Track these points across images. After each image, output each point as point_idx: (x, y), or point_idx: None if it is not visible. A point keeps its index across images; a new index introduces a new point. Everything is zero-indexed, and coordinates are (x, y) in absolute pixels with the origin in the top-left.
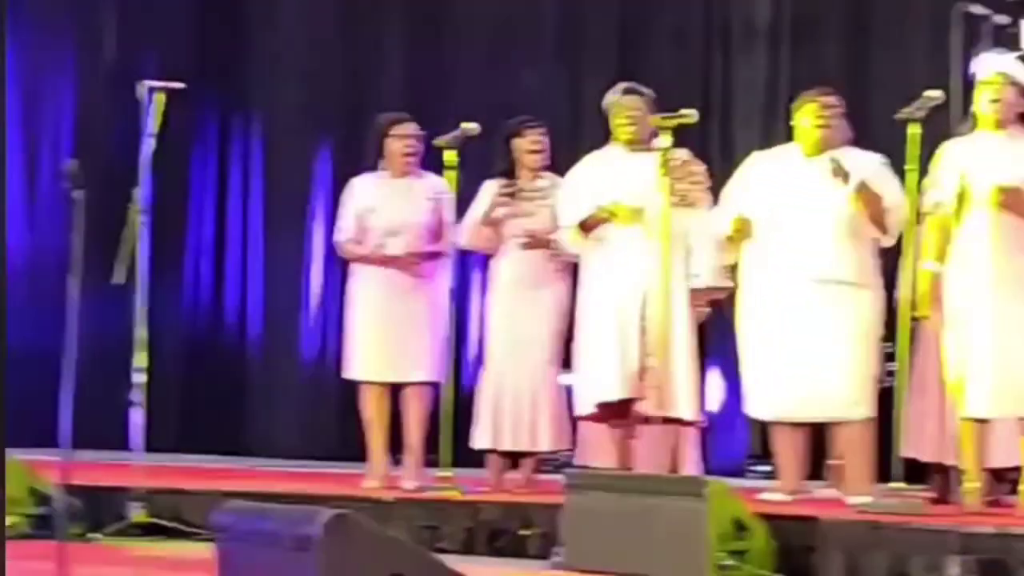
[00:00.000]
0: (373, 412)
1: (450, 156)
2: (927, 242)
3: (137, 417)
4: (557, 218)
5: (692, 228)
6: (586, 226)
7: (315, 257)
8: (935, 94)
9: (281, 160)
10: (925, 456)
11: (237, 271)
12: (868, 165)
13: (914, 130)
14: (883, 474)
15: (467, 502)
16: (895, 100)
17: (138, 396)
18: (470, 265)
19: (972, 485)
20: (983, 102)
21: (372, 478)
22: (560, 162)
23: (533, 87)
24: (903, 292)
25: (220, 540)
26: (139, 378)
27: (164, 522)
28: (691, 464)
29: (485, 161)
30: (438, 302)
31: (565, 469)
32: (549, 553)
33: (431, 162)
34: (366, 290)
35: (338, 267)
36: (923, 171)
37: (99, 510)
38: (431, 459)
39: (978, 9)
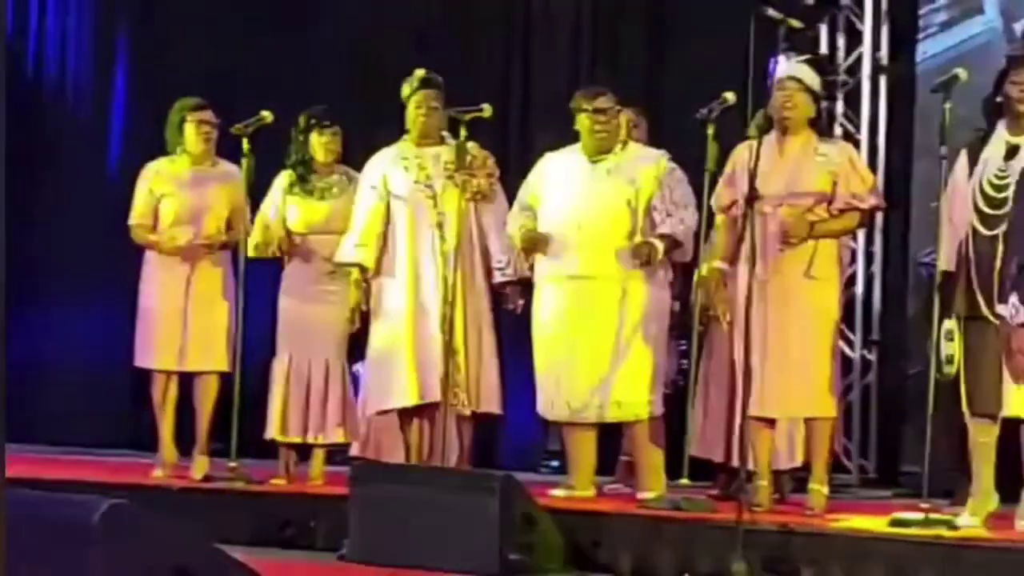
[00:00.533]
0: (161, 401)
1: (244, 143)
2: (718, 241)
3: None
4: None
5: (489, 221)
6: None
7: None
8: (729, 96)
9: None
10: (713, 455)
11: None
12: (653, 168)
13: (710, 130)
14: (673, 471)
15: (256, 492)
16: (693, 100)
17: None
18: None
19: (761, 484)
20: (776, 105)
21: (161, 467)
22: (356, 156)
23: (333, 80)
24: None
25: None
26: None
27: None
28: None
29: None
30: (228, 291)
31: (353, 462)
32: (338, 545)
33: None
34: (157, 277)
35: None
36: (719, 171)
37: None
38: (221, 449)
39: (774, 13)
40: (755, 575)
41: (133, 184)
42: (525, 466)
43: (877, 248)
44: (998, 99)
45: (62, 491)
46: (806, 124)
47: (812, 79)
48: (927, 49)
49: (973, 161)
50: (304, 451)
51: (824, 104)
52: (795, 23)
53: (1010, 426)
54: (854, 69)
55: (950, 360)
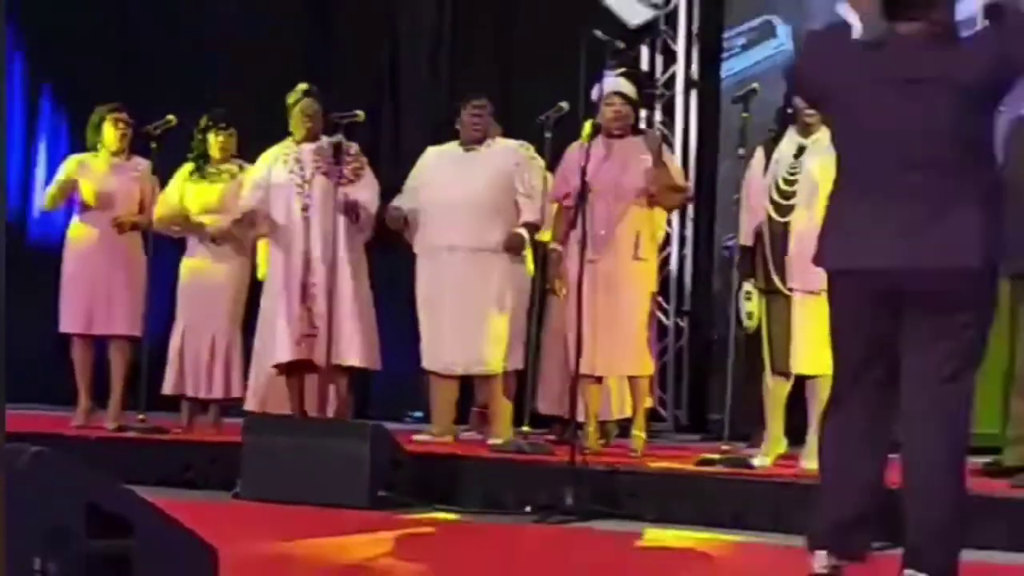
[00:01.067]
0: (79, 362)
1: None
2: (554, 226)
3: None
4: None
5: (362, 195)
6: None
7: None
8: (564, 104)
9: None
10: (551, 408)
11: None
12: (514, 156)
13: (548, 133)
14: (518, 421)
15: (161, 441)
16: (536, 106)
17: None
18: None
19: (590, 431)
20: (604, 115)
21: (78, 419)
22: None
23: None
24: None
25: None
26: None
27: None
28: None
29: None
30: (139, 266)
31: (246, 414)
32: (232, 485)
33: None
34: (76, 250)
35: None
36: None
37: None
38: (131, 403)
39: (602, 35)
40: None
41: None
42: (393, 417)
43: (688, 234)
44: (788, 109)
45: None
46: (630, 130)
47: (633, 92)
48: (730, 67)
49: (768, 158)
50: (204, 405)
51: (644, 113)
52: (620, 44)
53: (799, 382)
54: (669, 84)
55: (750, 316)
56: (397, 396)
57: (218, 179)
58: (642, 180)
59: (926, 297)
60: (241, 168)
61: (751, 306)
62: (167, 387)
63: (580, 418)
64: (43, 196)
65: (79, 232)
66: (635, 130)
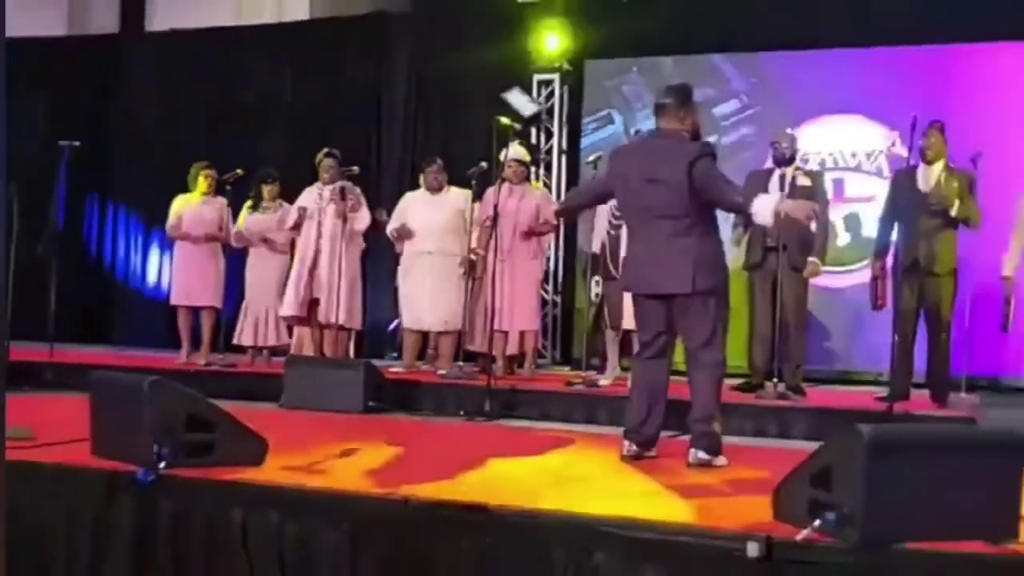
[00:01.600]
0: (182, 322)
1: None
2: (479, 238)
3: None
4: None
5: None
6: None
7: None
8: (483, 164)
9: None
10: (477, 348)
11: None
12: (463, 199)
13: (473, 181)
14: (456, 357)
15: (233, 372)
16: (466, 164)
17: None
18: None
19: (499, 364)
20: (508, 171)
21: (181, 358)
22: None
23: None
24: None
25: (93, 392)
26: None
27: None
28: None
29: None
30: (220, 262)
31: (287, 355)
32: (279, 399)
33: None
34: (181, 254)
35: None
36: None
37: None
38: (215, 348)
39: (507, 121)
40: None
41: None
42: (378, 356)
43: (561, 242)
44: None
45: (127, 371)
46: (524, 179)
47: (526, 156)
48: (585, 142)
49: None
50: (260, 350)
51: (533, 169)
52: (518, 127)
53: (626, 333)
54: (548, 152)
55: (597, 295)
56: (381, 343)
57: (267, 212)
58: (532, 211)
59: (672, 303)
60: (280, 205)
61: (596, 287)
62: (237, 338)
63: (495, 354)
64: (168, 223)
65: (183, 243)
66: (528, 180)
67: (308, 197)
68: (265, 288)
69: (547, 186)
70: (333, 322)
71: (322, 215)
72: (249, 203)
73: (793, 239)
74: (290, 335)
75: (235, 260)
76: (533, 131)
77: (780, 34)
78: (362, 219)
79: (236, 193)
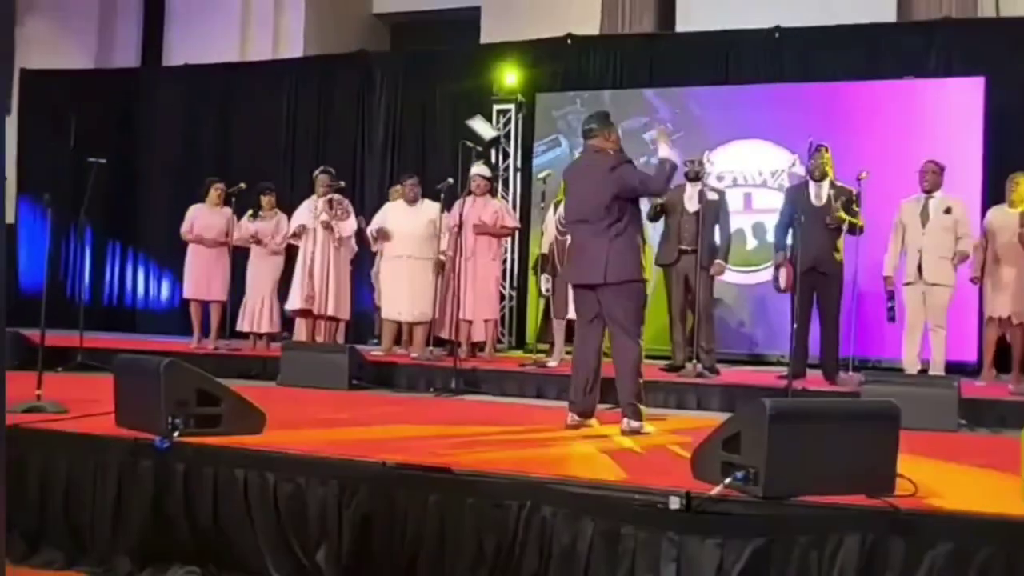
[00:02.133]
0: (194, 312)
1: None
2: (449, 242)
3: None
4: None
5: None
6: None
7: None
8: (450, 180)
9: None
10: (446, 335)
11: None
12: (435, 211)
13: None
14: (427, 343)
15: (238, 355)
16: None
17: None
18: None
19: (462, 348)
20: (472, 185)
21: (193, 343)
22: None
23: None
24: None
25: (117, 372)
26: None
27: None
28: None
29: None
30: (225, 260)
31: (284, 340)
32: (275, 378)
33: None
34: (193, 255)
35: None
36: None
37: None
38: (222, 335)
39: (471, 144)
40: None
41: None
42: (361, 341)
43: (517, 244)
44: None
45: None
46: (486, 191)
47: (488, 173)
48: (537, 162)
49: (556, 209)
50: (260, 336)
51: (493, 184)
52: (479, 149)
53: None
54: (506, 170)
55: (547, 290)
56: (363, 331)
57: (264, 219)
58: (493, 218)
59: (595, 292)
60: (276, 214)
61: (545, 284)
62: (240, 325)
63: (460, 340)
64: (183, 228)
65: (194, 245)
66: (490, 193)
67: (304, 212)
68: (262, 283)
69: (504, 199)
70: (324, 314)
71: (316, 225)
72: (251, 212)
73: (704, 244)
74: (284, 325)
75: (238, 259)
76: (493, 152)
77: (700, 72)
78: (349, 226)
79: (240, 203)
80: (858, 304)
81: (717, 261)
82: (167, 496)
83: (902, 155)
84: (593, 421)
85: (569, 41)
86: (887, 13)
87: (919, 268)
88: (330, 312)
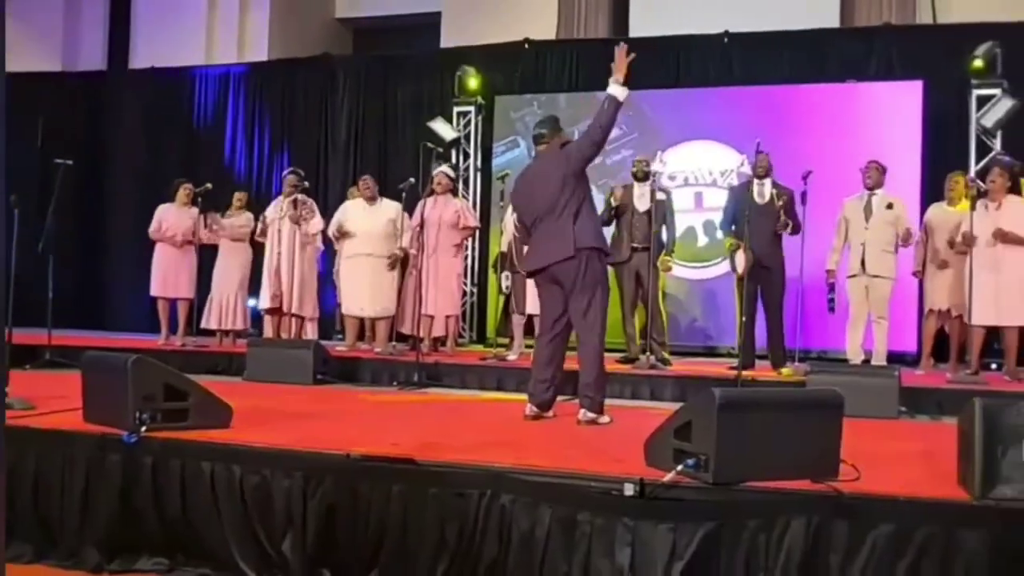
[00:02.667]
0: (162, 310)
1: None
2: (412, 239)
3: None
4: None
5: (308, 227)
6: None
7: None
8: (411, 180)
9: None
10: (408, 330)
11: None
12: (394, 210)
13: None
14: (390, 338)
15: (205, 351)
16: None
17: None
18: None
19: (424, 343)
20: (434, 184)
21: (161, 340)
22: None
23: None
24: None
25: (84, 369)
26: None
27: (62, 360)
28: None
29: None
30: (192, 259)
31: (250, 337)
32: (242, 373)
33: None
34: (160, 253)
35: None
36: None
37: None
38: (189, 332)
39: (432, 145)
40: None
41: None
42: (326, 337)
43: (478, 242)
44: None
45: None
46: (448, 190)
47: (451, 173)
48: (496, 163)
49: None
50: (227, 332)
51: (456, 184)
52: (440, 150)
53: (530, 318)
54: (466, 170)
55: (507, 287)
56: (329, 327)
57: (235, 217)
58: (454, 217)
59: (563, 278)
60: (244, 213)
61: (505, 280)
62: (205, 322)
63: (422, 335)
64: (151, 227)
65: (162, 244)
66: (452, 192)
67: (271, 212)
68: (229, 280)
69: (465, 198)
70: (290, 311)
71: (281, 224)
72: (219, 212)
73: (655, 242)
74: (253, 322)
75: (205, 257)
76: (454, 153)
77: (652, 76)
78: (313, 225)
79: (206, 203)
80: (803, 298)
81: (665, 256)
82: (135, 489)
83: (844, 155)
84: (551, 413)
85: (527, 45)
86: (830, 19)
87: (862, 262)
88: (295, 310)
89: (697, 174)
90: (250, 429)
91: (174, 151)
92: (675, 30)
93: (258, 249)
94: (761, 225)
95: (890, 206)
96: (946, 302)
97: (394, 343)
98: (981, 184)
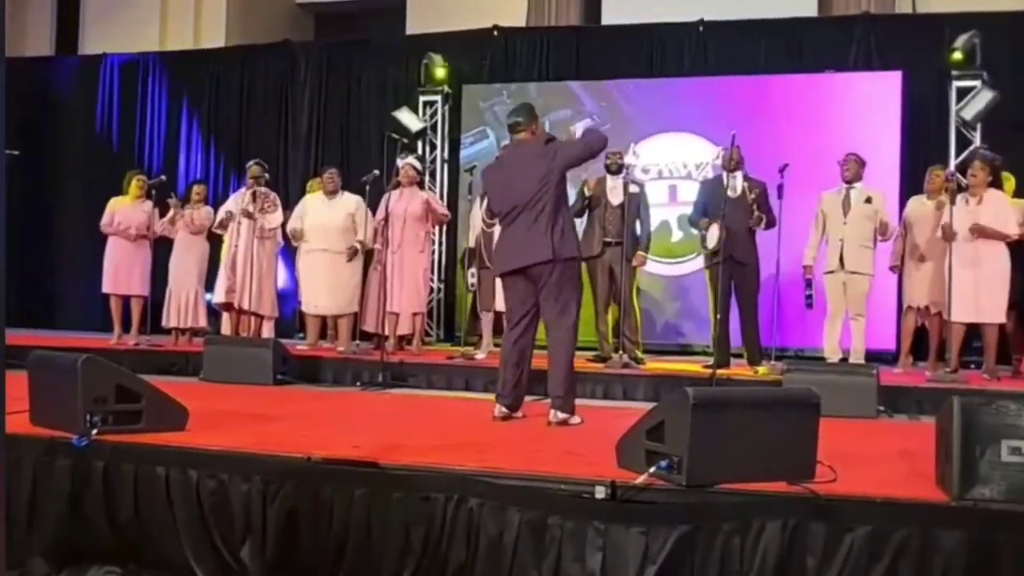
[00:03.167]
0: (115, 308)
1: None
2: (376, 234)
3: None
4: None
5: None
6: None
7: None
8: (376, 172)
9: None
10: (372, 328)
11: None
12: (354, 203)
13: (368, 187)
14: (353, 336)
15: (160, 351)
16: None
17: None
18: None
19: (391, 340)
20: (402, 176)
21: (114, 339)
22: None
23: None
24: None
25: (31, 369)
26: None
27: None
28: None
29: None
30: (146, 254)
31: (207, 335)
32: (199, 373)
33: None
34: (112, 249)
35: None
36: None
37: None
38: (143, 331)
39: (396, 136)
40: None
41: None
42: (286, 336)
43: (445, 237)
44: None
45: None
46: (414, 182)
47: (417, 165)
48: (464, 154)
49: (482, 200)
50: (183, 331)
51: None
52: (406, 141)
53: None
54: (433, 162)
55: (474, 285)
56: (289, 326)
57: (195, 209)
58: (422, 209)
59: (536, 278)
60: (204, 207)
61: (472, 278)
62: (165, 321)
63: (387, 333)
64: (103, 221)
65: (114, 239)
66: (420, 185)
67: (231, 203)
68: (186, 276)
69: (432, 190)
70: (247, 309)
71: (240, 217)
72: (177, 200)
73: (628, 236)
74: (209, 319)
75: (160, 253)
76: (420, 144)
77: (625, 65)
78: (273, 219)
79: (160, 196)
80: (780, 295)
81: (639, 252)
82: (85, 495)
83: (822, 147)
84: (520, 414)
85: (495, 33)
86: (808, 8)
87: (840, 257)
88: (252, 308)
89: (671, 167)
90: (207, 432)
91: (126, 141)
92: (649, 18)
93: (215, 243)
94: (734, 219)
95: (869, 200)
96: (925, 298)
97: (357, 342)
98: (961, 178)
